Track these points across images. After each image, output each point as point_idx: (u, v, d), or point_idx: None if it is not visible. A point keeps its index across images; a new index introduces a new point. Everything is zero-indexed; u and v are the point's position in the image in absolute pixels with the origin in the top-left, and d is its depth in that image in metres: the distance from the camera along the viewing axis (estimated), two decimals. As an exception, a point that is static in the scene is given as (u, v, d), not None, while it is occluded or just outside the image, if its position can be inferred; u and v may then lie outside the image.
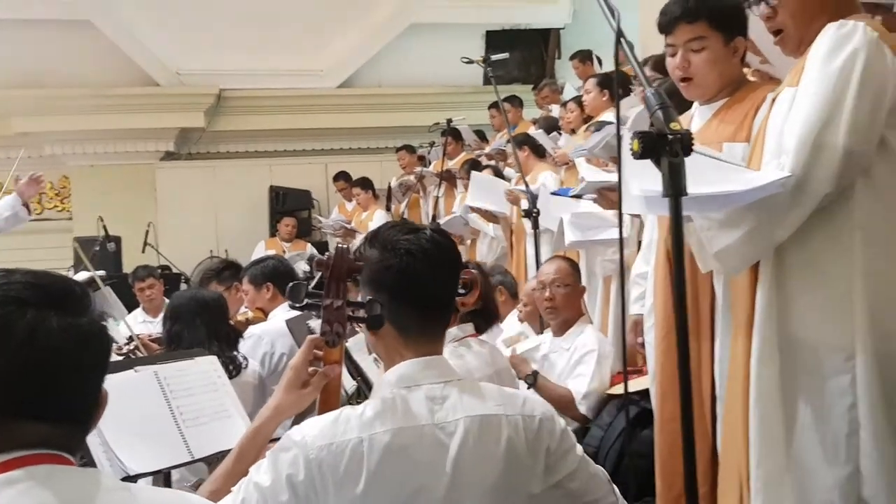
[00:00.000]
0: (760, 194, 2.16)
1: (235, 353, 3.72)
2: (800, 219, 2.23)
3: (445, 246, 1.96)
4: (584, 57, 9.09)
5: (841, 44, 2.22)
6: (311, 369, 1.99)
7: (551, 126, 7.76)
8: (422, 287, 1.89)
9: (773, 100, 2.43)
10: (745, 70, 3.08)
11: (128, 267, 8.23)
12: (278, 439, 1.84)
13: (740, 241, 2.28)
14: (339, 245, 1.95)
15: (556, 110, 9.01)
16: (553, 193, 5.50)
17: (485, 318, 3.18)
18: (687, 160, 1.77)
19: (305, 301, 1.94)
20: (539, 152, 7.08)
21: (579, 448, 2.01)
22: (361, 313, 1.88)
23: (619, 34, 1.93)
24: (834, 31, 2.25)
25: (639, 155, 1.70)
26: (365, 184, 10.26)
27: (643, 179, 2.00)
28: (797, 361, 2.29)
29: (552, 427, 1.95)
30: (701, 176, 2.04)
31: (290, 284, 1.94)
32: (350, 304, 1.92)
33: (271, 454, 1.76)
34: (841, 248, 2.23)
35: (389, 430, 1.77)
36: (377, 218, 9.66)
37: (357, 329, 2.53)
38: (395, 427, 1.77)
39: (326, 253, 1.98)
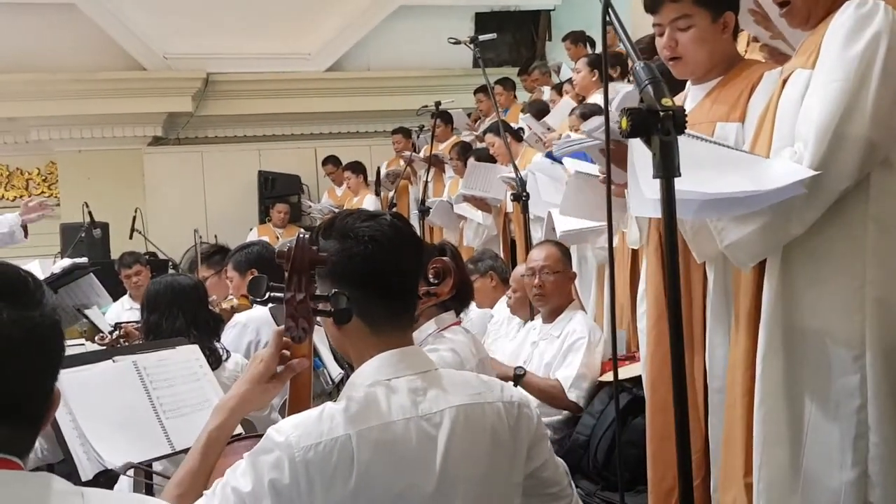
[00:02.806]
0: (784, 195, 2.06)
1: (216, 342, 3.63)
2: (818, 213, 2.12)
3: (406, 231, 1.89)
4: (576, 38, 9.03)
5: (862, 25, 2.09)
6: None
7: (541, 111, 7.69)
8: (388, 275, 1.81)
9: (784, 81, 2.31)
10: (755, 44, 2.98)
11: (115, 253, 8.15)
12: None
13: (753, 236, 2.18)
14: (300, 235, 1.83)
15: (547, 92, 8.95)
16: (548, 156, 5.43)
17: (461, 301, 3.12)
18: (691, 148, 1.68)
19: (267, 295, 1.84)
20: (518, 137, 7.04)
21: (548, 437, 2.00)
22: (327, 307, 1.78)
23: (608, 4, 1.85)
24: (853, 11, 2.12)
25: (627, 133, 1.61)
26: (356, 168, 10.21)
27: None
28: (804, 356, 2.20)
29: (530, 413, 1.92)
30: (710, 169, 1.94)
31: (251, 278, 1.84)
32: (314, 297, 1.81)
33: (251, 456, 1.67)
34: (853, 238, 2.13)
35: (377, 424, 1.69)
36: (367, 203, 9.60)
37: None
38: (382, 422, 1.70)
39: (287, 243, 1.86)
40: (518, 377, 3.92)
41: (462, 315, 3.35)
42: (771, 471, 2.24)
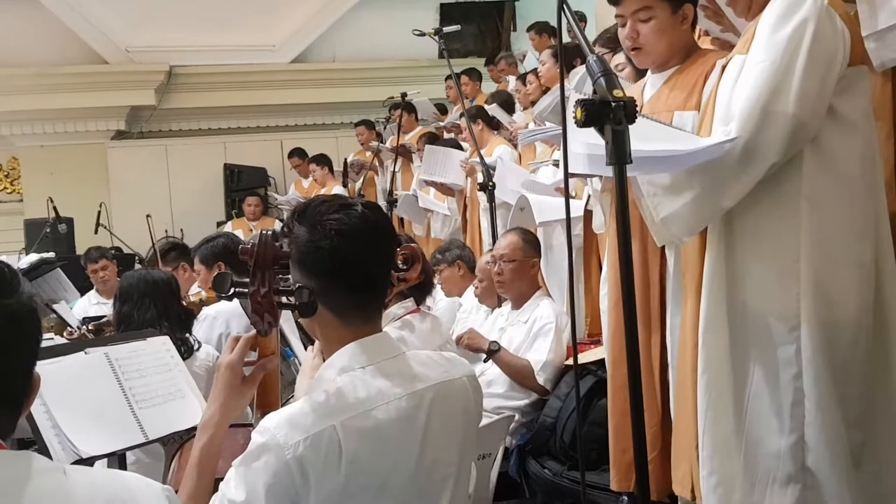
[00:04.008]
0: (704, 156, 2.15)
1: (187, 334, 3.68)
2: (747, 187, 2.23)
3: (377, 221, 1.86)
4: (540, 29, 9.03)
5: (790, 12, 2.20)
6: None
7: (505, 101, 7.72)
8: (355, 268, 1.80)
9: (724, 67, 2.42)
10: (705, 38, 3.08)
11: (81, 248, 8.10)
12: None
13: (686, 208, 2.28)
14: (263, 231, 1.83)
15: (512, 82, 8.99)
16: None
17: (424, 290, 3.18)
18: (640, 124, 1.77)
19: (232, 290, 1.84)
20: (493, 125, 7.06)
21: None
22: (292, 300, 1.79)
23: (562, 2, 1.92)
24: None
25: (582, 123, 1.69)
26: (320, 160, 10.19)
27: (587, 135, 1.96)
28: (746, 329, 2.30)
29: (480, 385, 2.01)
30: (644, 136, 2.03)
31: (216, 274, 1.87)
32: (277, 291, 1.81)
33: (241, 466, 1.67)
34: (788, 216, 2.24)
35: (360, 412, 1.73)
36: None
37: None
38: (364, 409, 1.73)
39: (250, 239, 1.88)
40: (492, 352, 4.00)
41: (423, 305, 3.44)
42: (714, 437, 2.34)
